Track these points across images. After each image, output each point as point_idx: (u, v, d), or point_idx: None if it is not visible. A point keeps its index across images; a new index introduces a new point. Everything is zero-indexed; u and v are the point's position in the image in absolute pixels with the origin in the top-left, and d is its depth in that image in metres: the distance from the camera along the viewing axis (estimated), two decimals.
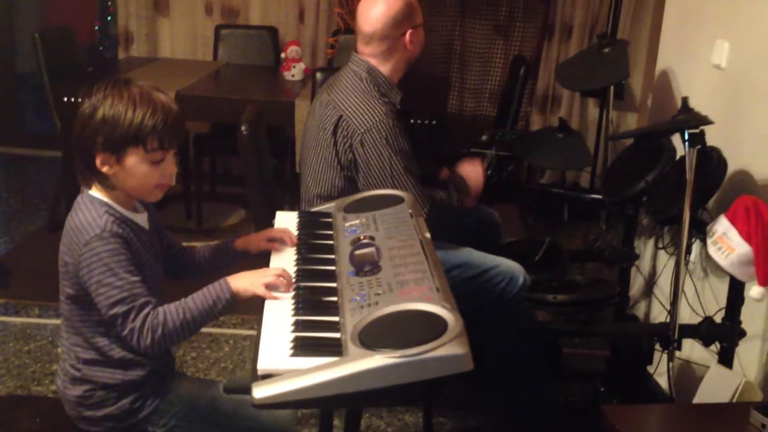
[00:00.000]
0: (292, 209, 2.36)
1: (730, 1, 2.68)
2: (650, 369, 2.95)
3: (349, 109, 2.45)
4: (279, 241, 2.03)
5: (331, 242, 2.03)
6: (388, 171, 2.39)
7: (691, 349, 2.74)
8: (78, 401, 1.82)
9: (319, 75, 3.58)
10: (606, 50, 3.00)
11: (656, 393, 2.90)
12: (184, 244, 2.13)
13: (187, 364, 3.21)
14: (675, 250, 2.60)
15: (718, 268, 2.43)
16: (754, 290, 2.19)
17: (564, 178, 3.89)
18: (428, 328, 1.51)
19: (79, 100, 1.79)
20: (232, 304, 1.74)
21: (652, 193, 2.64)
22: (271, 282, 1.74)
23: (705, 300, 2.69)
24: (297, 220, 2.21)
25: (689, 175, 2.20)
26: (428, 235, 1.96)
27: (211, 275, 2.07)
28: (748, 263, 2.17)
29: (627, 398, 2.81)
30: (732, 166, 2.49)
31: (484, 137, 3.18)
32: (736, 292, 2.31)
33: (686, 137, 2.21)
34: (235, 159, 4.96)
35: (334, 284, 1.80)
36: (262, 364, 1.50)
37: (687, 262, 2.72)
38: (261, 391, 1.44)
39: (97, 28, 5.62)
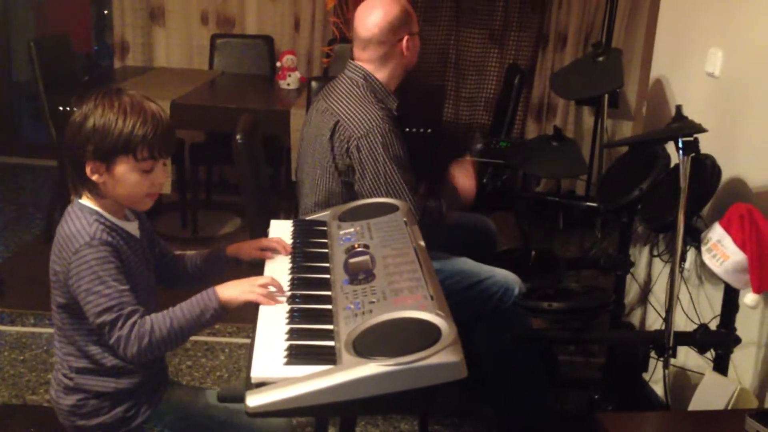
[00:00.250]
0: (288, 218, 2.36)
1: (723, 10, 2.69)
2: (646, 376, 2.95)
3: (346, 115, 2.45)
4: (272, 251, 2.03)
5: (326, 250, 2.03)
6: (382, 176, 2.39)
7: (687, 357, 2.74)
8: (71, 410, 1.82)
9: (314, 84, 3.58)
10: (600, 59, 3.01)
11: (652, 400, 2.90)
12: (179, 252, 2.12)
13: (182, 373, 3.21)
14: (670, 257, 2.60)
15: (713, 276, 2.43)
16: (748, 297, 2.19)
17: (559, 186, 3.90)
18: (422, 335, 1.51)
19: (74, 109, 1.79)
20: (221, 313, 1.73)
21: (646, 201, 2.64)
22: (261, 292, 1.74)
23: (700, 307, 2.69)
24: (291, 228, 2.21)
25: (683, 183, 2.21)
26: (422, 242, 1.96)
27: (204, 283, 2.08)
28: (742, 271, 2.17)
29: (622, 405, 2.81)
30: (726, 174, 2.50)
31: (478, 145, 3.18)
32: (731, 299, 2.31)
33: (680, 145, 2.21)
34: (230, 168, 4.96)
35: (328, 292, 1.79)
36: (256, 372, 1.50)
37: (682, 270, 2.72)
38: (254, 400, 1.43)
39: (93, 37, 5.63)
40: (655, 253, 2.94)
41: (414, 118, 3.75)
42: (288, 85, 4.49)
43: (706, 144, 2.51)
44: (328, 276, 1.89)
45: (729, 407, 2.17)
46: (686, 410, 2.34)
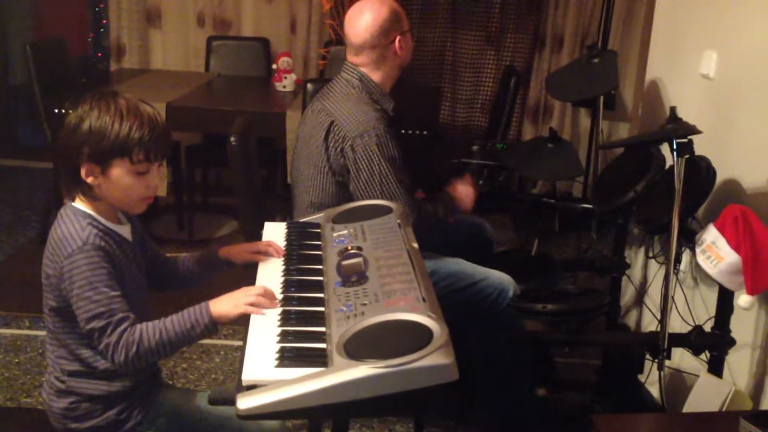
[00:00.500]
0: (284, 220, 2.35)
1: (717, 12, 2.70)
2: (642, 378, 2.95)
3: (341, 115, 2.45)
4: (264, 254, 2.02)
5: (319, 253, 2.03)
6: (377, 177, 2.39)
7: (682, 358, 2.74)
8: (63, 413, 1.82)
9: (310, 86, 3.58)
10: (595, 61, 3.01)
11: (647, 402, 2.89)
12: (171, 255, 2.12)
13: (177, 375, 3.20)
14: (665, 259, 2.60)
15: (708, 277, 2.43)
16: (742, 299, 2.19)
17: (554, 188, 3.87)
18: (413, 338, 1.50)
19: (69, 111, 1.79)
20: (211, 329, 1.72)
21: (641, 203, 2.64)
22: (253, 302, 1.72)
23: (695, 309, 2.69)
24: (285, 230, 2.20)
25: (678, 185, 2.20)
26: (416, 245, 1.96)
27: (195, 286, 2.08)
28: (736, 272, 2.17)
29: (618, 407, 2.81)
30: (721, 175, 2.50)
31: (474, 147, 3.18)
32: (726, 301, 2.31)
33: (674, 147, 2.21)
34: (226, 170, 4.93)
35: (321, 295, 1.79)
36: (247, 375, 1.49)
37: (677, 271, 2.72)
38: (245, 402, 1.43)
39: (90, 39, 5.62)
40: (651, 254, 2.94)
41: (410, 120, 3.75)
42: (284, 87, 4.49)
43: (701, 145, 2.50)
44: (321, 278, 1.88)
45: (723, 409, 2.16)
46: (680, 412, 2.34)
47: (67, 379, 1.80)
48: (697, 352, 2.41)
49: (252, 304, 1.72)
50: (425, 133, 3.72)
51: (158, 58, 5.36)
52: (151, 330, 1.68)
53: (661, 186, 2.57)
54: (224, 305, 1.73)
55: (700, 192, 2.41)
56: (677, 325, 2.68)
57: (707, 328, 2.43)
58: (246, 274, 1.97)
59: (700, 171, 2.42)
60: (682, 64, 2.91)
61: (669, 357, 2.37)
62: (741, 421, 1.82)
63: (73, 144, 1.73)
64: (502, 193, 3.41)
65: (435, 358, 1.44)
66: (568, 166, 2.94)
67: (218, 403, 1.58)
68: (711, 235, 2.23)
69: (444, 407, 2.90)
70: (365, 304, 1.65)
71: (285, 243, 2.10)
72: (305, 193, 2.54)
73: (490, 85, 5.17)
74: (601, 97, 3.21)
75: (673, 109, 2.35)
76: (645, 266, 3.16)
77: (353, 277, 1.79)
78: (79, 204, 1.79)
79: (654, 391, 2.86)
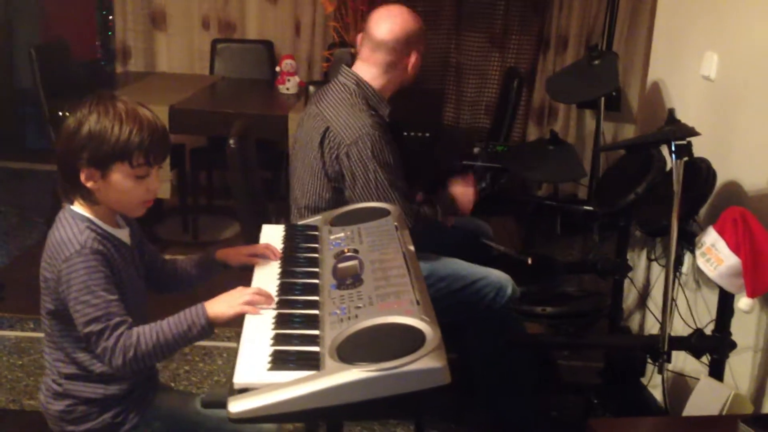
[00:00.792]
0: (286, 222, 2.36)
1: (718, 14, 2.68)
2: (645, 381, 2.94)
3: (336, 121, 2.45)
4: (261, 257, 2.02)
5: (316, 255, 2.03)
6: (373, 184, 2.38)
7: (685, 361, 2.73)
8: (60, 416, 1.82)
9: (312, 88, 3.59)
10: (596, 62, 3.00)
11: (650, 405, 2.88)
12: (169, 257, 2.12)
13: (180, 377, 3.21)
14: (665, 261, 2.59)
15: (710, 280, 2.42)
16: (742, 302, 2.18)
17: (556, 190, 3.88)
18: (406, 341, 1.50)
19: (68, 115, 1.79)
20: (208, 330, 1.72)
21: (642, 205, 2.63)
22: (249, 301, 1.72)
23: (698, 312, 2.68)
24: (283, 233, 2.20)
25: (676, 187, 2.19)
26: (412, 247, 1.95)
27: (194, 287, 2.08)
28: (736, 275, 2.16)
29: (621, 410, 2.80)
30: (722, 177, 2.49)
31: (476, 149, 3.17)
32: (726, 303, 2.30)
33: (673, 149, 2.20)
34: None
35: (316, 297, 1.79)
36: (239, 378, 1.49)
37: (680, 274, 2.71)
38: (237, 405, 1.43)
39: (98, 42, 5.65)
40: (652, 257, 2.93)
41: (411, 122, 3.75)
42: (287, 89, 4.49)
43: (702, 147, 2.50)
44: (316, 281, 1.88)
45: (723, 412, 2.15)
46: (679, 416, 2.33)
47: (64, 382, 1.81)
48: (697, 355, 2.40)
49: (247, 304, 1.72)
50: (427, 135, 3.71)
51: (163, 61, 5.37)
52: (147, 333, 1.68)
53: (662, 188, 2.56)
54: (220, 306, 1.73)
55: (700, 194, 2.40)
56: (680, 327, 2.67)
57: (710, 331, 2.42)
58: (243, 277, 1.97)
59: (700, 173, 2.41)
60: (683, 66, 2.90)
61: (669, 360, 2.36)
62: (740, 424, 1.82)
63: (73, 148, 1.73)
64: (503, 195, 3.39)
65: (427, 361, 1.44)
66: (569, 168, 2.93)
67: (211, 406, 1.58)
68: (710, 237, 2.22)
69: (443, 409, 2.90)
70: (359, 307, 1.65)
71: (282, 246, 2.10)
72: (301, 196, 2.54)
73: (494, 87, 5.16)
74: (603, 99, 3.20)
75: (671, 111, 2.35)
76: (648, 269, 3.15)
77: (348, 279, 1.79)
78: (78, 208, 1.79)
79: (657, 394, 2.85)
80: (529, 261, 2.55)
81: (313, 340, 1.60)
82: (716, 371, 2.35)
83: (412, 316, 1.58)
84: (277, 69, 4.66)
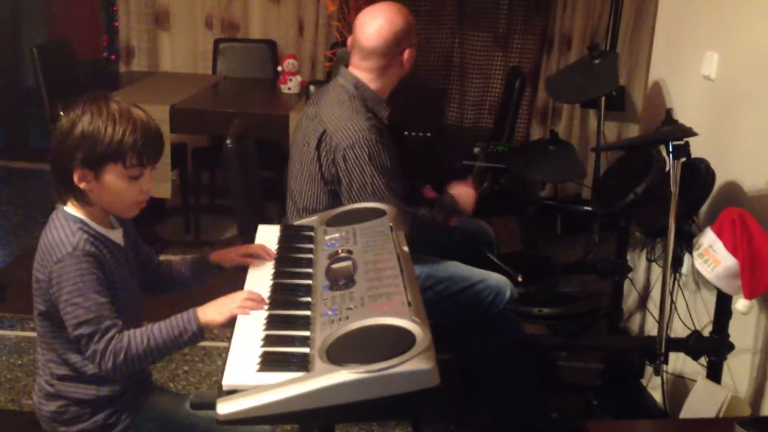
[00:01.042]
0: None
1: (719, 14, 2.67)
2: (645, 382, 2.92)
3: (333, 124, 2.43)
4: (255, 257, 2.01)
5: (311, 256, 2.02)
6: (369, 187, 2.37)
7: (685, 363, 2.71)
8: (53, 417, 1.82)
9: (312, 88, 3.59)
10: (596, 62, 2.98)
11: (649, 407, 2.86)
12: (163, 258, 2.11)
13: (178, 378, 3.21)
14: (663, 262, 2.57)
15: (709, 281, 2.40)
16: (740, 303, 2.16)
17: (557, 191, 3.87)
18: (396, 342, 1.49)
19: (61, 115, 1.79)
20: (199, 336, 1.72)
21: (641, 205, 2.62)
22: (240, 305, 1.72)
23: (697, 313, 2.66)
24: (279, 233, 2.20)
25: (674, 188, 2.18)
26: (406, 248, 1.94)
27: (189, 289, 2.08)
28: (734, 276, 2.14)
29: (620, 412, 2.79)
30: (721, 178, 2.47)
31: (476, 149, 3.15)
32: (723, 305, 2.28)
33: (671, 149, 2.18)
34: None
35: (308, 299, 1.78)
36: (228, 380, 1.48)
37: (680, 275, 2.69)
38: (225, 407, 1.42)
39: (105, 42, 5.66)
40: (651, 258, 2.91)
41: (413, 122, 3.74)
42: (289, 89, 4.49)
43: (702, 147, 2.48)
44: (310, 282, 1.87)
45: (720, 415, 2.14)
46: (676, 419, 2.31)
47: (56, 383, 1.81)
48: (695, 357, 2.39)
49: (239, 308, 1.72)
50: (428, 135, 3.70)
51: (167, 60, 5.38)
52: (138, 337, 1.68)
53: (662, 188, 2.54)
54: (211, 312, 1.73)
55: (699, 195, 2.39)
56: (680, 329, 2.65)
57: (708, 332, 2.40)
58: (238, 278, 1.97)
59: (699, 173, 2.40)
60: (684, 65, 2.88)
61: (666, 362, 2.35)
62: (736, 427, 1.80)
63: (66, 149, 1.73)
64: (504, 195, 3.38)
65: (416, 363, 1.43)
66: (569, 167, 2.92)
67: (200, 407, 1.58)
68: (708, 238, 2.21)
69: (442, 409, 2.89)
70: (351, 308, 1.64)
71: (277, 246, 2.10)
72: (298, 198, 2.54)
73: (498, 86, 5.14)
74: (603, 98, 3.18)
75: (669, 111, 2.33)
76: (648, 270, 3.13)
77: (341, 280, 1.79)
78: (71, 208, 1.79)
79: (657, 395, 2.83)
80: (520, 279, 2.53)
81: (303, 341, 1.60)
82: (714, 373, 2.33)
83: (402, 318, 1.57)
84: (279, 69, 4.65)
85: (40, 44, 4.35)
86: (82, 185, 1.74)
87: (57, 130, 1.75)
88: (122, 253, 1.85)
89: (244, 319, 1.71)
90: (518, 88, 4.01)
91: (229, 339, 3.47)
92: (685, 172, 2.30)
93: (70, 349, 1.77)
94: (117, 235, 1.85)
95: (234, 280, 1.94)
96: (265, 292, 1.83)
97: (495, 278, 2.53)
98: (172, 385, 3.15)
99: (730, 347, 2.31)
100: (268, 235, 2.18)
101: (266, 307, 1.75)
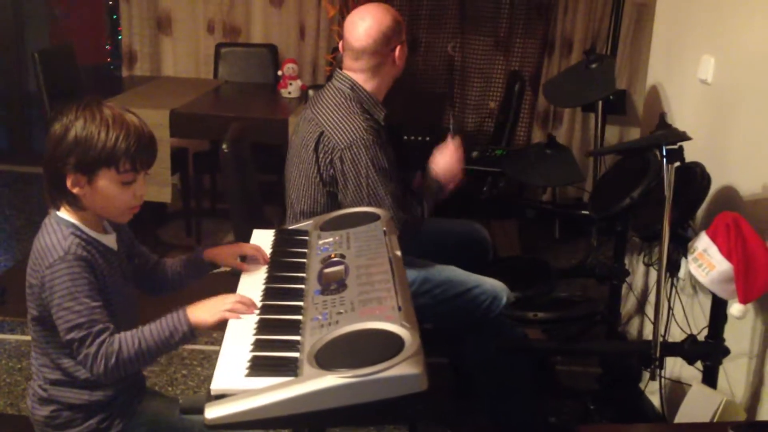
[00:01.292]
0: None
1: (715, 18, 2.67)
2: (643, 386, 2.91)
3: (331, 126, 2.44)
4: (250, 258, 2.02)
5: (304, 260, 2.02)
6: (365, 188, 2.38)
7: (683, 367, 2.71)
8: (45, 422, 1.82)
9: (311, 92, 3.59)
10: (593, 66, 2.98)
11: (647, 411, 2.86)
12: (158, 257, 2.11)
13: (177, 381, 3.21)
14: (658, 267, 2.56)
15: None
16: (734, 308, 2.15)
17: (555, 194, 3.85)
18: (384, 347, 1.49)
19: (54, 121, 1.80)
20: (189, 337, 1.72)
21: (638, 209, 2.61)
22: (231, 308, 1.72)
23: (694, 317, 2.66)
24: (273, 237, 2.20)
25: (668, 192, 2.18)
26: (399, 252, 1.94)
27: (184, 288, 2.08)
28: (728, 280, 2.14)
29: (618, 416, 2.78)
30: (717, 182, 2.47)
31: (474, 154, 3.16)
32: (719, 309, 2.28)
33: (664, 153, 2.18)
34: None
35: (300, 303, 1.78)
36: (216, 384, 1.49)
37: (677, 280, 2.69)
38: (213, 412, 1.43)
39: (109, 47, 5.68)
40: (647, 262, 2.91)
41: (412, 126, 3.74)
42: (289, 93, 4.49)
43: (698, 151, 2.48)
44: (302, 286, 1.88)
45: (715, 420, 2.13)
46: (670, 423, 2.31)
47: (49, 388, 1.81)
48: (690, 362, 2.38)
49: (229, 311, 1.72)
50: (427, 139, 3.70)
51: (169, 65, 5.39)
52: (129, 340, 1.68)
53: (657, 193, 2.54)
54: (202, 313, 1.73)
55: (695, 199, 2.39)
56: (678, 333, 2.64)
57: (704, 337, 2.40)
58: (231, 280, 1.97)
59: (694, 177, 2.39)
60: (680, 69, 2.88)
61: (662, 367, 2.34)
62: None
63: (59, 154, 1.73)
64: (503, 199, 3.38)
65: (403, 368, 1.43)
66: (566, 171, 2.92)
67: (189, 412, 1.57)
68: (703, 242, 2.20)
69: (439, 413, 2.89)
70: (341, 313, 1.65)
71: (271, 250, 2.10)
72: (296, 201, 2.54)
73: (499, 90, 5.14)
74: (601, 102, 3.18)
75: (662, 115, 2.33)
76: (646, 274, 3.13)
77: (332, 285, 1.79)
78: (64, 213, 1.79)
79: (655, 399, 2.83)
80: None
81: (293, 346, 1.60)
82: (709, 378, 2.33)
83: (392, 322, 1.57)
84: (279, 73, 4.66)
85: (41, 49, 4.36)
86: (75, 190, 1.74)
87: (50, 135, 1.76)
88: (116, 258, 1.85)
89: (235, 323, 1.71)
90: (518, 92, 4.02)
91: None
92: (681, 176, 2.30)
93: (63, 353, 1.78)
94: (110, 240, 1.85)
95: (227, 284, 1.95)
96: (258, 296, 1.83)
97: (490, 283, 2.53)
98: (170, 389, 3.15)
99: (726, 352, 2.31)
100: (262, 240, 2.18)
101: (257, 311, 1.76)
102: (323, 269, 1.89)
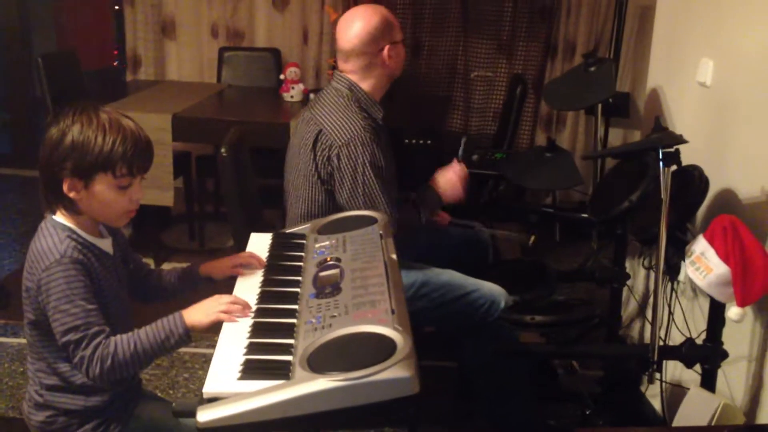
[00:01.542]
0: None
1: (714, 21, 2.66)
2: (644, 389, 2.90)
3: (329, 124, 2.46)
4: (246, 266, 2.02)
5: (300, 264, 2.03)
6: (360, 186, 2.39)
7: (683, 370, 2.70)
8: (41, 426, 1.83)
9: (312, 96, 3.60)
10: (592, 69, 2.98)
11: (648, 414, 2.85)
12: (151, 267, 2.12)
13: (178, 385, 3.22)
14: (655, 270, 2.56)
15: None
16: (732, 311, 2.15)
17: (555, 198, 3.85)
18: (377, 350, 1.49)
19: (51, 125, 1.81)
20: (186, 338, 1.73)
21: (636, 213, 2.61)
22: (225, 309, 1.73)
23: (695, 321, 2.65)
24: (270, 241, 2.21)
25: (664, 195, 2.17)
26: (394, 256, 1.95)
27: (177, 298, 2.09)
28: (726, 284, 2.13)
29: (619, 419, 2.77)
30: (716, 185, 2.46)
31: (474, 157, 3.16)
32: (716, 313, 2.27)
33: (660, 156, 2.18)
34: None
35: (294, 306, 1.79)
36: (209, 387, 1.50)
37: (677, 283, 2.68)
38: (205, 415, 1.44)
39: (116, 52, 5.71)
40: (647, 265, 2.90)
41: (413, 130, 3.75)
42: (291, 97, 4.50)
43: (697, 154, 2.48)
44: (297, 290, 1.88)
45: (713, 423, 2.13)
46: (667, 426, 2.30)
47: (45, 393, 1.82)
48: (688, 365, 2.37)
49: (224, 312, 1.73)
50: (428, 142, 3.71)
51: (173, 69, 5.42)
52: (125, 342, 1.69)
53: (656, 196, 2.53)
54: (197, 314, 1.74)
55: (693, 202, 2.38)
56: (678, 337, 2.64)
57: (703, 340, 2.39)
58: (227, 285, 1.98)
59: (692, 180, 2.39)
60: (679, 72, 2.88)
61: (659, 370, 2.34)
62: None
63: (56, 159, 1.74)
64: (504, 202, 3.38)
65: (395, 371, 1.43)
66: (565, 175, 2.91)
67: (182, 415, 1.58)
68: (700, 245, 2.20)
69: (439, 416, 2.89)
70: (334, 316, 1.65)
71: (267, 254, 2.11)
72: (295, 202, 2.55)
73: (502, 93, 5.14)
74: (600, 106, 3.18)
75: (657, 119, 2.33)
76: (647, 277, 3.12)
77: (327, 288, 1.80)
78: (60, 217, 1.80)
79: (656, 403, 2.82)
80: (533, 239, 2.52)
81: (286, 349, 1.61)
82: (708, 381, 2.32)
83: (385, 326, 1.58)
84: (282, 77, 4.67)
85: (44, 54, 4.38)
86: (71, 194, 1.76)
87: (47, 140, 1.77)
88: (111, 262, 1.86)
89: (230, 327, 1.72)
90: (519, 95, 4.02)
91: None
92: (679, 179, 2.29)
93: (60, 358, 1.79)
94: (106, 244, 1.86)
95: (223, 287, 1.95)
96: (253, 299, 1.84)
97: (488, 288, 2.53)
98: (171, 392, 3.16)
99: (724, 355, 2.30)
100: (260, 243, 2.19)
101: (252, 314, 1.76)
102: (318, 273, 1.89)
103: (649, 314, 3.05)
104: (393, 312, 1.63)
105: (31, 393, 1.85)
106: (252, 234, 2.28)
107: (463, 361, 2.75)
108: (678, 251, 2.54)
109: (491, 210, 3.22)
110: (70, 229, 1.79)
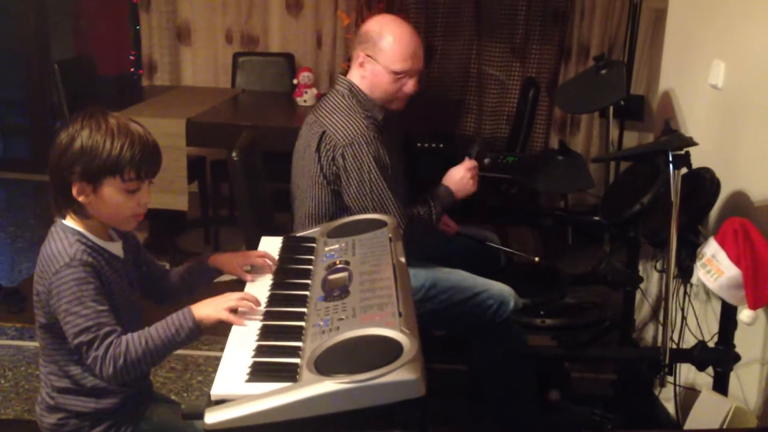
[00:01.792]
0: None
1: (726, 22, 2.65)
2: (658, 393, 2.89)
3: (332, 124, 2.48)
4: (259, 266, 2.03)
5: (310, 267, 2.04)
6: (368, 184, 2.41)
7: (697, 373, 2.68)
8: (53, 429, 1.85)
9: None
10: (603, 72, 2.98)
11: (661, 417, 2.83)
12: (164, 266, 2.13)
13: (192, 388, 3.24)
14: (666, 272, 2.55)
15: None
16: (744, 314, 2.14)
17: (567, 201, 3.83)
18: (383, 353, 1.50)
19: (60, 130, 1.83)
20: (195, 333, 1.74)
21: (648, 215, 2.60)
22: (234, 305, 1.75)
23: (708, 323, 2.64)
24: (281, 245, 2.22)
25: (674, 197, 2.17)
26: (403, 259, 1.95)
27: (191, 296, 2.10)
28: (737, 286, 2.12)
29: (632, 423, 2.76)
30: (728, 187, 2.45)
31: (486, 161, 3.16)
32: (728, 315, 2.26)
33: (670, 159, 2.17)
34: None
35: (303, 309, 1.80)
36: (217, 390, 1.51)
37: (690, 286, 2.67)
38: (212, 417, 1.44)
39: (132, 57, 5.75)
40: (659, 268, 2.89)
41: (425, 134, 3.75)
42: (305, 101, 4.52)
43: (709, 156, 2.47)
44: (306, 293, 1.89)
45: (724, 426, 2.12)
46: (680, 430, 2.29)
47: (57, 396, 1.84)
48: (700, 368, 2.36)
49: (234, 308, 1.74)
50: (441, 146, 3.71)
51: (188, 74, 5.46)
52: (136, 340, 1.71)
53: (667, 198, 2.52)
54: (206, 308, 1.76)
55: (704, 204, 2.37)
56: (692, 340, 2.62)
57: (715, 343, 2.38)
58: (236, 287, 1.99)
59: (704, 183, 2.38)
60: (691, 74, 2.87)
61: (671, 373, 2.33)
62: None
63: (65, 163, 1.76)
64: (516, 205, 3.37)
65: (401, 373, 1.44)
66: (577, 178, 2.91)
67: (190, 417, 1.59)
68: (711, 248, 2.19)
69: (450, 420, 2.89)
70: (342, 319, 1.66)
71: (278, 257, 2.12)
72: (302, 204, 2.57)
73: (515, 97, 5.14)
74: (612, 108, 3.17)
75: (666, 121, 2.33)
76: (660, 280, 3.10)
77: (335, 291, 1.80)
78: (70, 222, 1.82)
79: (670, 406, 2.81)
80: (536, 260, 2.53)
81: (294, 352, 1.61)
82: (720, 384, 2.31)
83: (392, 328, 1.58)
84: (295, 81, 4.69)
85: (60, 60, 4.43)
86: (80, 198, 1.78)
87: (56, 145, 1.79)
88: (121, 265, 1.88)
89: (239, 329, 1.73)
90: (532, 98, 4.01)
91: None
92: (690, 181, 2.29)
93: (71, 360, 1.80)
94: (116, 248, 1.88)
95: (232, 287, 1.96)
96: (263, 302, 1.84)
97: (498, 288, 2.54)
98: (185, 395, 3.18)
99: (736, 358, 2.29)
100: (270, 247, 2.20)
101: (261, 317, 1.77)
102: (327, 276, 1.90)
103: (662, 317, 3.04)
104: (400, 315, 1.64)
105: (43, 395, 1.88)
106: (262, 237, 2.29)
107: (472, 362, 2.75)
108: (690, 254, 2.52)
109: (504, 213, 3.21)
110: (79, 233, 1.81)
